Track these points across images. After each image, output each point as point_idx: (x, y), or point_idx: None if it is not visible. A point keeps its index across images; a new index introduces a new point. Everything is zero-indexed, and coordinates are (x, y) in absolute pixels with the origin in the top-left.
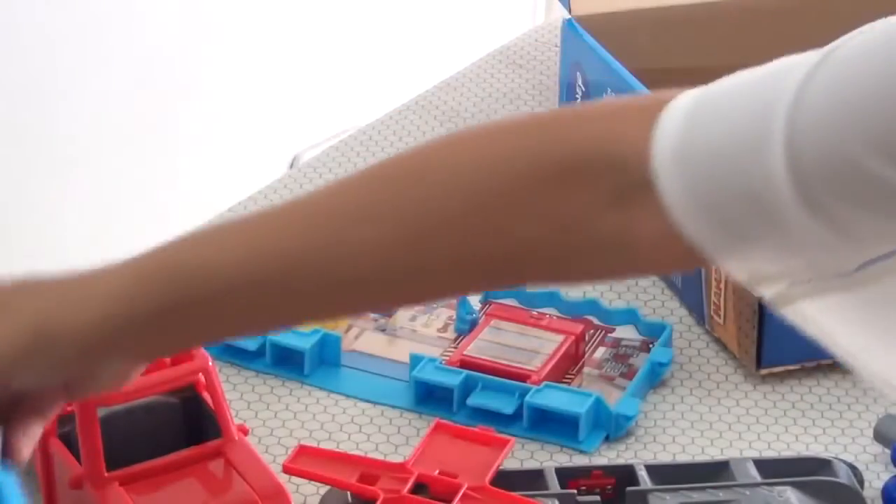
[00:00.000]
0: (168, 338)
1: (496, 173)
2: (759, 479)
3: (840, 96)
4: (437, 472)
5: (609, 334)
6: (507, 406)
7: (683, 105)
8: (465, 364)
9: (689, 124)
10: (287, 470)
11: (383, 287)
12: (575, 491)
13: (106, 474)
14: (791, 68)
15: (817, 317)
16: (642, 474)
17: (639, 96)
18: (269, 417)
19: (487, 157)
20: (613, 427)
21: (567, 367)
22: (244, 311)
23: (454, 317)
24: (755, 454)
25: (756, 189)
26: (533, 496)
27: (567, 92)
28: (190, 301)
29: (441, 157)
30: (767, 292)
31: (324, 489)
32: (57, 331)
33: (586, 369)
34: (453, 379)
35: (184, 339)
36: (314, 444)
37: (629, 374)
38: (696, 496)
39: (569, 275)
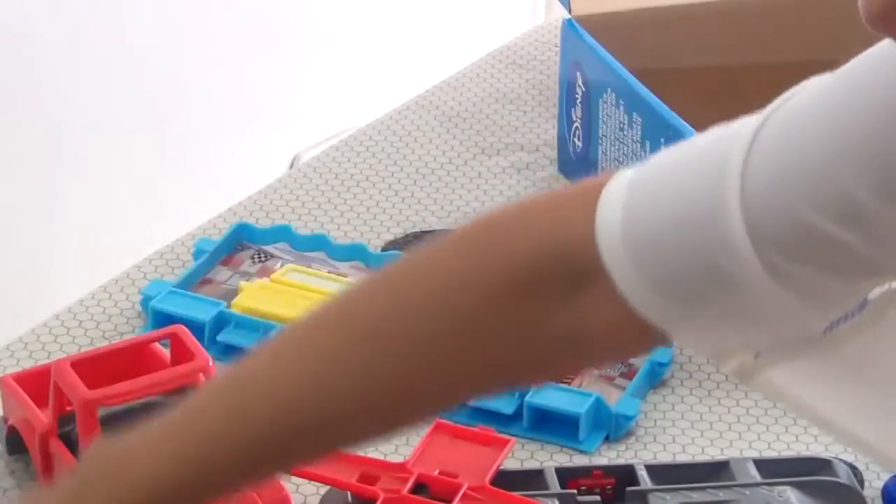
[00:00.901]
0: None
1: (444, 308)
2: (759, 479)
3: (783, 159)
4: (437, 472)
5: None
6: (507, 406)
7: (621, 186)
8: None
9: (631, 204)
10: None
11: (358, 425)
12: (575, 491)
13: None
14: (732, 136)
15: (784, 384)
16: (642, 474)
17: (575, 184)
18: None
19: (431, 291)
20: (613, 427)
21: None
22: (275, 459)
23: None
24: (755, 454)
25: (715, 259)
26: (533, 496)
27: (567, 92)
28: (225, 467)
29: (388, 302)
30: (732, 365)
31: (324, 489)
32: None
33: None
34: None
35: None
36: None
37: (629, 374)
38: (696, 496)
39: (529, 379)
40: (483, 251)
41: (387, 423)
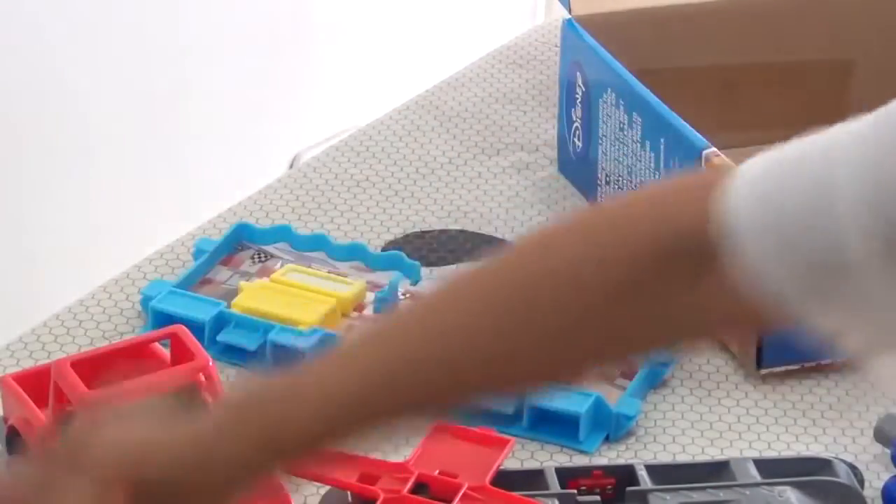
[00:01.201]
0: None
1: (572, 289)
2: (759, 479)
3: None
4: (438, 472)
5: None
6: (507, 406)
7: (755, 170)
8: None
9: (766, 189)
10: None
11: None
12: (575, 491)
13: None
14: (851, 132)
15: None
16: (642, 474)
17: (688, 175)
18: None
19: (562, 270)
20: (614, 427)
21: None
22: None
23: None
24: (755, 454)
25: (843, 242)
26: (533, 496)
27: (567, 92)
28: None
29: (534, 280)
30: (849, 345)
31: (324, 489)
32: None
33: None
34: None
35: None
36: None
37: (629, 374)
38: (696, 496)
39: (653, 350)
40: (608, 235)
41: (547, 373)
